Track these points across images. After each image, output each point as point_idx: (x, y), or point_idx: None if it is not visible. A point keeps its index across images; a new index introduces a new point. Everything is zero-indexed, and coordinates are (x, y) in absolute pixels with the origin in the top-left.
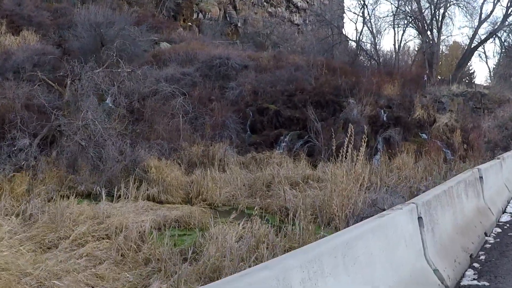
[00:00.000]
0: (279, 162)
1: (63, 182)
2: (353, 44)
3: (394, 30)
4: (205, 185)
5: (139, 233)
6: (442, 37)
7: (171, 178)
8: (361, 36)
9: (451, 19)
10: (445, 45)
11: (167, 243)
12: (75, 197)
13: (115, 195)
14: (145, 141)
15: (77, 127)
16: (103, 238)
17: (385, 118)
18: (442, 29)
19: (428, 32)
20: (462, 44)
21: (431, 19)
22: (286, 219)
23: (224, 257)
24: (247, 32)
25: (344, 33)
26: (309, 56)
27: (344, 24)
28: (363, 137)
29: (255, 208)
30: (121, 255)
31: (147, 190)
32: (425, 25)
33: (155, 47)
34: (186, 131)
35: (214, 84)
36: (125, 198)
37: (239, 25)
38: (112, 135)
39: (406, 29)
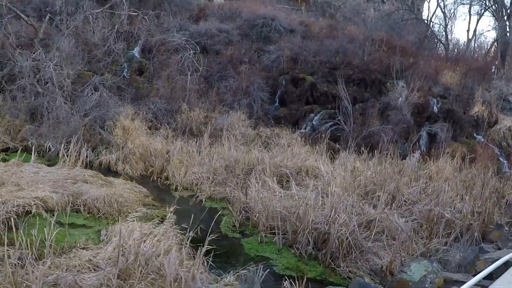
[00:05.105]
0: (284, 143)
1: (16, 132)
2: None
3: (470, 16)
4: (172, 160)
5: None
6: None
7: (136, 144)
8: (432, 17)
9: None
10: None
11: None
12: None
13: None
14: (139, 98)
15: (28, 67)
16: None
17: (435, 109)
18: None
19: (506, 19)
20: None
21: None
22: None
23: None
24: (317, 1)
25: (415, 11)
26: (368, 29)
27: (417, 3)
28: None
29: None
30: None
31: (101, 155)
32: (504, 10)
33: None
34: (195, 92)
35: (251, 46)
36: (64, 162)
37: None
38: (67, 83)
39: (483, 15)
